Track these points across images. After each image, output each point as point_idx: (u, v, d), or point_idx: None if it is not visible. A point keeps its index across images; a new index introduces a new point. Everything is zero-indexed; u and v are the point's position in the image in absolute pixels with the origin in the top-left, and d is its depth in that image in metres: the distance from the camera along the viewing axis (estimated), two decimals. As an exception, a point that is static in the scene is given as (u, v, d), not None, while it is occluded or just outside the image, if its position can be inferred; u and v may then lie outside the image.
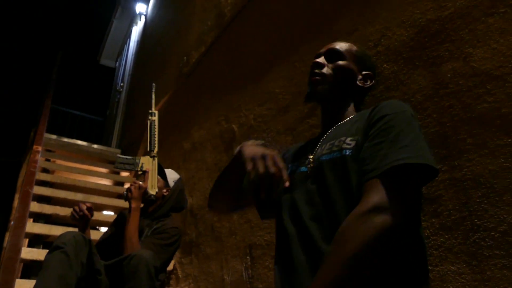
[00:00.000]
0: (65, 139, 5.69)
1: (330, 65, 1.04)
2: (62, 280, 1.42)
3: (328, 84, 1.01)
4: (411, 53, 1.53)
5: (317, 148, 0.95)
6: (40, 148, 2.34)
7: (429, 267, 1.24)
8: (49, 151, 4.88)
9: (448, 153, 1.28)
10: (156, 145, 2.12)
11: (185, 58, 4.08)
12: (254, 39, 2.87)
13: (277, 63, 2.46)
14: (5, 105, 12.13)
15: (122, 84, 7.34)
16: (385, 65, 1.62)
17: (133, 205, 1.87)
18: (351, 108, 1.04)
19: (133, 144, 5.75)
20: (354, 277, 0.65)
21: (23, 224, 1.57)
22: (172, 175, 2.21)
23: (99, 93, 11.32)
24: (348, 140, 0.86)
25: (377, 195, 0.71)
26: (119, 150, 6.11)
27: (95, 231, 3.51)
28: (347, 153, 0.83)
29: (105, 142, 7.36)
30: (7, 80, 12.45)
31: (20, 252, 1.29)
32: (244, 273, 2.25)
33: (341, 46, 1.08)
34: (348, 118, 1.01)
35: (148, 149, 2.12)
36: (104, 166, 5.18)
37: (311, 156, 0.94)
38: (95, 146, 6.01)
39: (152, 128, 2.13)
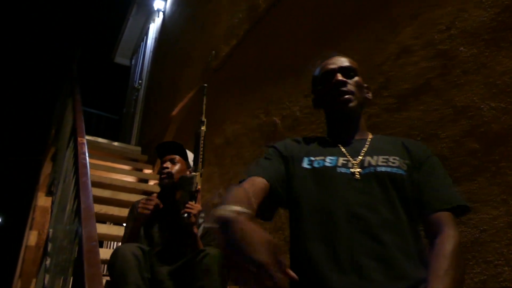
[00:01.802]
0: (86, 137, 5.64)
1: (351, 82, 1.08)
2: None
3: (357, 101, 1.07)
4: (493, 34, 1.43)
5: (362, 156, 1.02)
6: (84, 140, 2.29)
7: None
8: (72, 148, 4.83)
9: (550, 138, 1.19)
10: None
11: (213, 52, 4.00)
12: (294, 28, 2.79)
13: (322, 52, 2.37)
14: (20, 106, 12.17)
15: (140, 81, 7.29)
16: (461, 48, 1.53)
17: (196, 230, 1.72)
18: (363, 119, 1.13)
19: (153, 142, 5.69)
20: None
21: (91, 215, 1.52)
22: (191, 156, 2.08)
23: (114, 91, 11.31)
24: (402, 161, 1.00)
25: (456, 231, 0.90)
26: (139, 148, 6.06)
27: (121, 228, 3.45)
28: (404, 174, 0.98)
29: (122, 140, 7.30)
30: (22, 81, 12.50)
31: (97, 244, 1.23)
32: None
33: (351, 62, 1.13)
34: (370, 136, 1.11)
35: (201, 167, 1.83)
36: (126, 163, 5.13)
37: (353, 162, 1.00)
38: (116, 143, 5.96)
39: (204, 140, 1.84)
